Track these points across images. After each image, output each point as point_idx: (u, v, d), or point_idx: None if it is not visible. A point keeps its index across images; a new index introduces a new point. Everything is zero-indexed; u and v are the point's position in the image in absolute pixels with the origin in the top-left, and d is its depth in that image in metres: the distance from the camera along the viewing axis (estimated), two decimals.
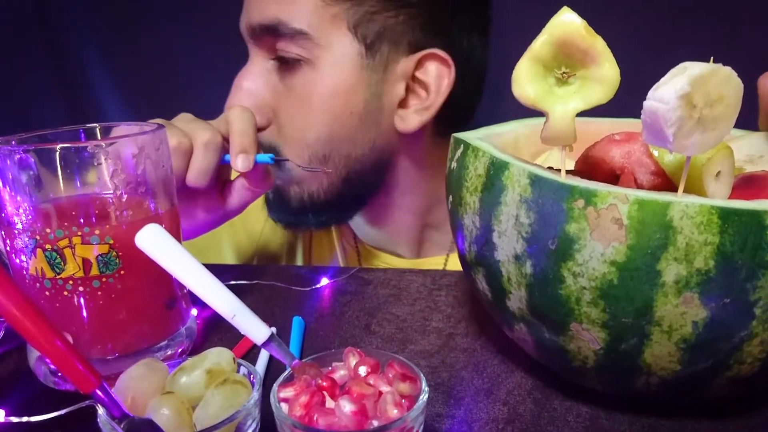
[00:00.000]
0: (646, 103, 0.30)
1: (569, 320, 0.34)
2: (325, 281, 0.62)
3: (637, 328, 0.32)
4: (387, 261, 0.84)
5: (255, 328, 0.36)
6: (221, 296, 0.36)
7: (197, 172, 0.57)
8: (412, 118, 0.71)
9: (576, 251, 0.32)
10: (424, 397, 0.32)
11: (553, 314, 0.35)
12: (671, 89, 0.29)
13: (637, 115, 0.33)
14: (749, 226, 0.29)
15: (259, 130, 0.68)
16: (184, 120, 0.60)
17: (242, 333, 0.36)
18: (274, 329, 0.42)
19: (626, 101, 0.39)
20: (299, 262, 0.89)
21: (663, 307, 0.31)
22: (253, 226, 0.87)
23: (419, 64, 0.70)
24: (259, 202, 0.86)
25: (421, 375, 0.34)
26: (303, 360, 0.35)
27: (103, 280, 0.41)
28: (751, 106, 0.40)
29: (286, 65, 0.69)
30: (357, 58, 0.68)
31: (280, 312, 0.56)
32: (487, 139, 0.43)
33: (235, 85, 0.71)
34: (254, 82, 0.71)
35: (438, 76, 0.70)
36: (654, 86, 0.30)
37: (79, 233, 0.40)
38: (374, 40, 0.68)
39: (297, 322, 0.52)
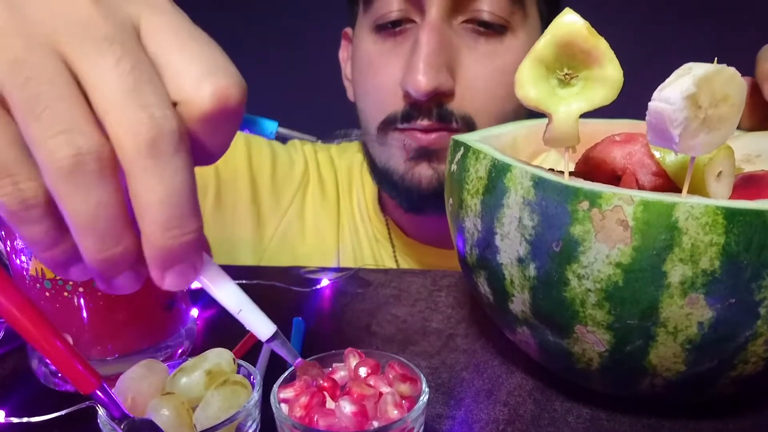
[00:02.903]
0: (651, 104, 0.30)
1: (574, 323, 0.34)
2: (325, 282, 0.62)
3: (643, 329, 0.32)
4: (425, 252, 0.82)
5: (261, 324, 0.35)
6: (228, 289, 0.35)
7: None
8: None
9: (581, 253, 0.32)
10: (424, 398, 0.32)
11: (557, 317, 0.35)
12: (677, 90, 0.29)
13: (640, 116, 0.32)
14: (754, 226, 0.29)
15: (443, 94, 0.64)
16: None
17: (247, 328, 0.35)
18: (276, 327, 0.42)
19: (628, 102, 0.39)
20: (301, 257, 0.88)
21: (668, 308, 0.31)
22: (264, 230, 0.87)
23: None
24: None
25: (422, 376, 0.34)
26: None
27: None
28: None
29: (484, 29, 0.66)
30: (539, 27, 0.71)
31: (280, 313, 0.56)
32: (485, 141, 0.42)
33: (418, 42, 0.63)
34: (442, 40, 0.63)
35: None
36: (659, 87, 0.30)
37: None
38: (547, 13, 0.72)
39: (297, 324, 0.52)
